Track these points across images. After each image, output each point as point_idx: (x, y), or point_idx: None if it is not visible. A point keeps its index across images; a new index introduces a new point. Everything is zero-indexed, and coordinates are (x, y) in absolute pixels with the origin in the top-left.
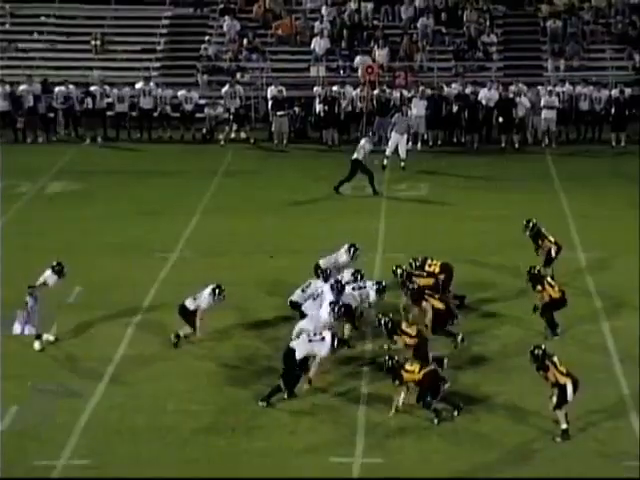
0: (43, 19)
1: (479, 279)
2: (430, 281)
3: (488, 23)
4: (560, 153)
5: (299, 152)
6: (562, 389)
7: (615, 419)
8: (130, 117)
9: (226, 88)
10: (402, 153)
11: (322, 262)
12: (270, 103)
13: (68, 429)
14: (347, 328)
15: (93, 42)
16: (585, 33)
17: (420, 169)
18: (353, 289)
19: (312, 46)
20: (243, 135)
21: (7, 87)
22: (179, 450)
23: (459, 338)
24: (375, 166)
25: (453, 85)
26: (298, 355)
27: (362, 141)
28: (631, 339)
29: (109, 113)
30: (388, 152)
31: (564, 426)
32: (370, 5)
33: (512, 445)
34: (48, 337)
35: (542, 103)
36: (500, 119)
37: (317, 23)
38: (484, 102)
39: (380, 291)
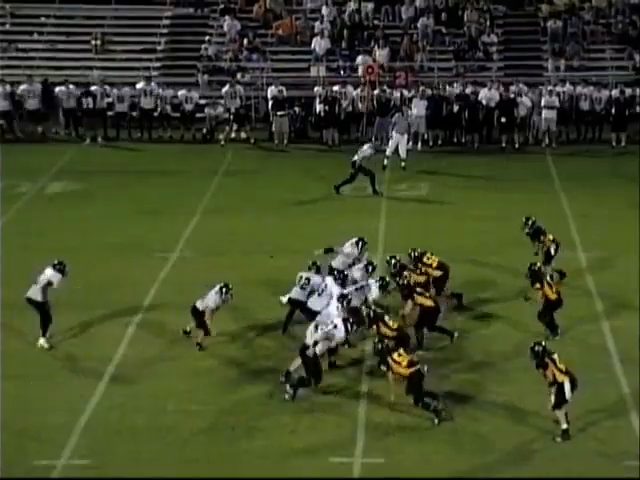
0: (43, 19)
1: (479, 279)
2: (422, 278)
3: (488, 23)
4: (560, 153)
5: (299, 152)
6: (560, 387)
7: (615, 419)
8: (130, 117)
9: (226, 88)
10: (402, 153)
11: (334, 264)
12: (270, 103)
13: (68, 429)
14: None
15: (93, 42)
16: (585, 33)
17: (420, 169)
18: (356, 290)
19: (312, 46)
20: (243, 135)
21: (7, 87)
22: (179, 450)
23: (455, 335)
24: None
25: (454, 85)
26: (319, 350)
27: (365, 146)
28: (631, 339)
29: (109, 113)
30: (388, 152)
31: (564, 426)
32: (370, 5)
33: (512, 445)
34: (42, 344)
35: (542, 103)
36: (502, 119)
37: (317, 23)
38: (484, 102)
39: (383, 287)
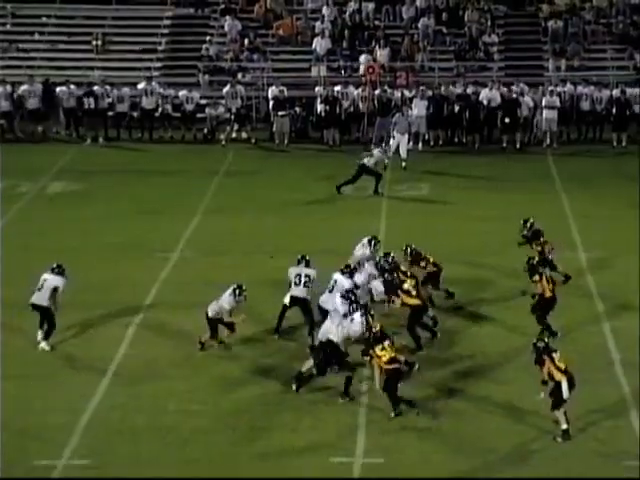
0: (44, 19)
1: (480, 279)
2: (412, 282)
3: (489, 23)
4: (561, 153)
5: (300, 152)
6: (558, 387)
7: (615, 419)
8: (131, 117)
9: (227, 88)
10: (403, 153)
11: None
12: (271, 103)
13: (69, 429)
14: None
15: (94, 42)
16: (586, 33)
17: (421, 169)
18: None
19: (313, 46)
20: (244, 135)
21: (8, 87)
22: (180, 450)
23: (435, 334)
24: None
25: (456, 85)
26: (337, 340)
27: (375, 151)
28: (631, 339)
29: (110, 113)
30: (389, 152)
31: (564, 426)
32: (371, 5)
33: (512, 445)
34: (44, 346)
35: (543, 103)
36: (507, 120)
37: (318, 23)
38: (485, 102)
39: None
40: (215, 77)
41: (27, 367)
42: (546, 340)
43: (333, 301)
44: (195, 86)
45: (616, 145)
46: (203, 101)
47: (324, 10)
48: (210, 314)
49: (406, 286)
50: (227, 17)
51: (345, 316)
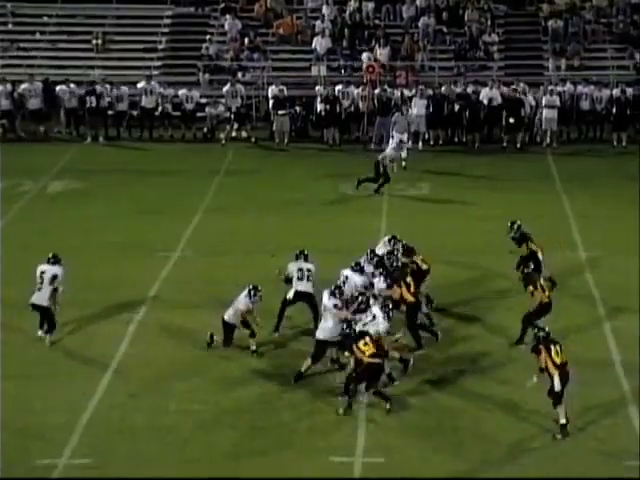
0: (45, 19)
1: (480, 278)
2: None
3: (489, 22)
4: (561, 153)
5: (300, 151)
6: (551, 381)
7: (615, 418)
8: (131, 116)
9: (227, 87)
10: (403, 153)
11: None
12: (271, 102)
13: (69, 428)
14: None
15: (94, 41)
16: (586, 32)
17: (421, 168)
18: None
19: (313, 45)
20: (244, 134)
21: (9, 86)
22: (180, 450)
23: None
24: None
25: (457, 84)
26: None
27: (389, 148)
28: (631, 338)
29: (110, 112)
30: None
31: (563, 421)
32: (371, 4)
33: (512, 445)
34: (48, 340)
35: (543, 102)
36: (511, 120)
37: (318, 22)
38: (485, 101)
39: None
40: (215, 76)
41: (27, 367)
42: (547, 330)
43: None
44: (195, 85)
45: (616, 145)
46: (203, 100)
47: (324, 9)
48: (226, 317)
49: (409, 280)
50: (227, 16)
51: (374, 317)
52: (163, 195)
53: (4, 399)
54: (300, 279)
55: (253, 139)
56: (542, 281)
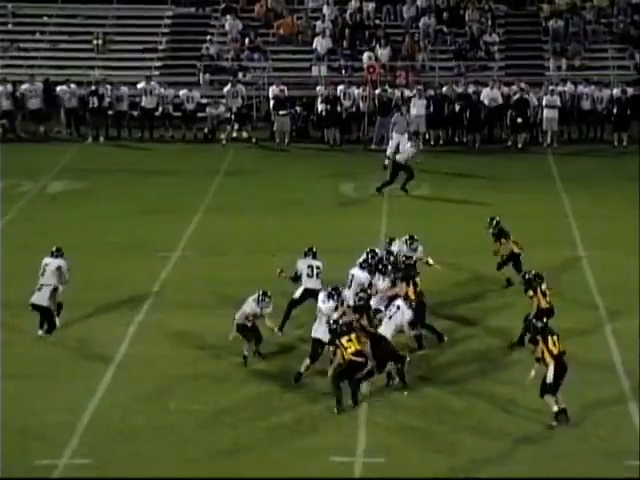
0: (45, 19)
1: (480, 277)
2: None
3: (490, 23)
4: (562, 153)
5: (301, 151)
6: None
7: (616, 418)
8: (132, 116)
9: (228, 87)
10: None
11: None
12: (272, 102)
13: (69, 428)
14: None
15: (95, 41)
16: (587, 32)
17: (422, 168)
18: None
19: (314, 45)
20: (245, 134)
21: (9, 86)
22: (180, 449)
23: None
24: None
25: (459, 84)
26: (389, 335)
27: (407, 145)
28: (632, 338)
29: (110, 112)
30: (389, 152)
31: (555, 408)
32: (372, 4)
33: (512, 444)
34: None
35: (544, 102)
36: (519, 120)
37: (319, 22)
38: (486, 102)
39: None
40: (216, 76)
41: (27, 367)
42: (544, 321)
43: (351, 296)
44: (196, 85)
45: (617, 145)
46: (204, 100)
47: (325, 9)
48: (237, 320)
49: (418, 279)
50: (228, 16)
51: (398, 308)
52: (164, 195)
53: (4, 399)
54: (310, 276)
55: (254, 139)
56: (543, 287)
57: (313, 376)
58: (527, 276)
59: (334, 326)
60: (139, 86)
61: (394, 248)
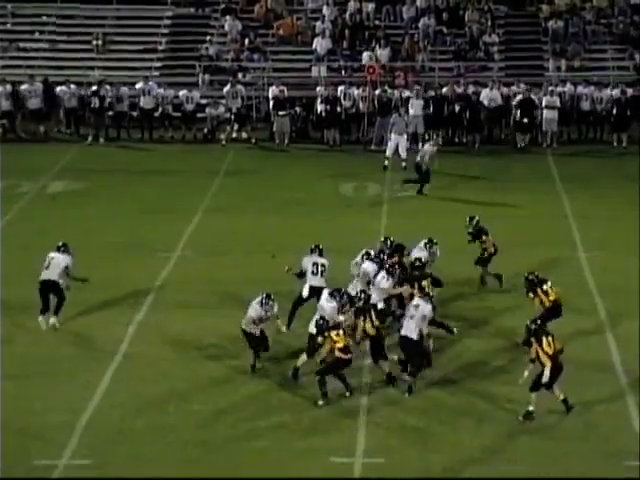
0: (44, 19)
1: (479, 278)
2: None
3: (489, 23)
4: (561, 153)
5: (300, 152)
6: (541, 371)
7: (615, 418)
8: (131, 117)
9: (227, 88)
10: (402, 153)
11: None
12: (271, 103)
13: (69, 428)
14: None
15: (94, 42)
16: (586, 33)
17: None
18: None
19: (314, 46)
20: (244, 135)
21: (9, 86)
22: (180, 450)
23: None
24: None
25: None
26: (415, 337)
27: (426, 146)
28: (631, 338)
29: (110, 113)
30: (388, 153)
31: (531, 408)
32: (372, 5)
33: (512, 444)
34: (54, 322)
35: (543, 103)
36: (525, 120)
37: (319, 23)
38: (486, 102)
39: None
40: (215, 77)
41: (27, 367)
42: (539, 322)
43: (357, 289)
44: (195, 86)
45: (616, 145)
46: (203, 101)
47: (324, 10)
48: (244, 326)
49: (425, 283)
50: (227, 17)
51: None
52: (163, 195)
53: (4, 399)
54: (314, 274)
55: (253, 140)
56: (544, 286)
57: (313, 376)
58: (529, 278)
59: (320, 322)
60: (137, 86)
61: (414, 255)
